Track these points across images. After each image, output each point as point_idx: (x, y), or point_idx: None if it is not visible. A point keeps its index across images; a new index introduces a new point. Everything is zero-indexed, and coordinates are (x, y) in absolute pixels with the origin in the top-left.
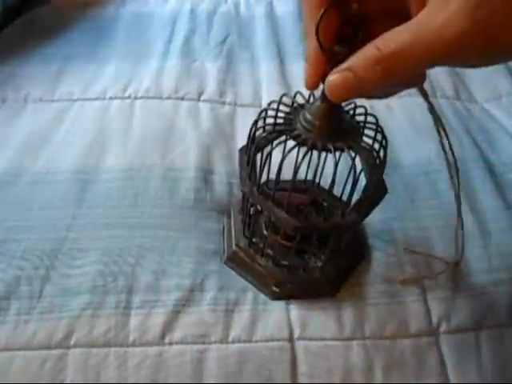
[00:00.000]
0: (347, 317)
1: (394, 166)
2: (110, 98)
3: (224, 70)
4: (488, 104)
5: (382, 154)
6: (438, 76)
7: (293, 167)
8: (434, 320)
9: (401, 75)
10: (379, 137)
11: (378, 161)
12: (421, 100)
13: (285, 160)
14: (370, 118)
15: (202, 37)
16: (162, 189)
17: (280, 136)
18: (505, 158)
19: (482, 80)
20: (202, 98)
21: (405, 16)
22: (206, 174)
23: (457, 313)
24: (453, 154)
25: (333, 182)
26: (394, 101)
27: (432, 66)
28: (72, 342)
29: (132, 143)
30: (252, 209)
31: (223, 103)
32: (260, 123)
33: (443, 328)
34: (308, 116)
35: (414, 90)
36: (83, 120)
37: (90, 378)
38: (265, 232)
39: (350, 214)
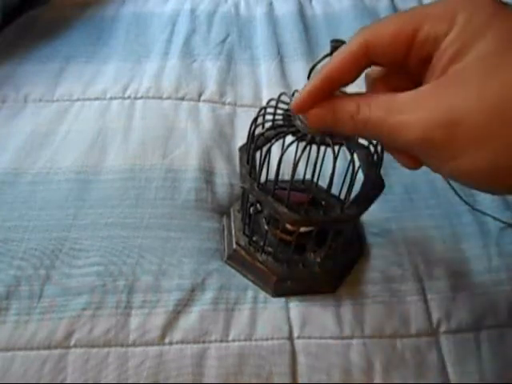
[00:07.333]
0: (347, 315)
1: (393, 166)
2: (110, 98)
3: (224, 70)
4: None
5: (379, 148)
6: None
7: (292, 165)
8: (434, 320)
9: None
10: None
11: (375, 156)
12: None
13: (284, 156)
14: None
15: (202, 37)
16: (163, 189)
17: (279, 132)
18: None
19: None
20: (202, 98)
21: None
22: (206, 175)
23: (457, 313)
24: None
25: (331, 177)
26: None
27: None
28: (72, 342)
29: (132, 143)
30: (252, 208)
31: (223, 103)
32: (259, 120)
33: (443, 328)
34: None
35: None
36: (83, 120)
37: (90, 378)
38: (265, 227)
39: (349, 209)
